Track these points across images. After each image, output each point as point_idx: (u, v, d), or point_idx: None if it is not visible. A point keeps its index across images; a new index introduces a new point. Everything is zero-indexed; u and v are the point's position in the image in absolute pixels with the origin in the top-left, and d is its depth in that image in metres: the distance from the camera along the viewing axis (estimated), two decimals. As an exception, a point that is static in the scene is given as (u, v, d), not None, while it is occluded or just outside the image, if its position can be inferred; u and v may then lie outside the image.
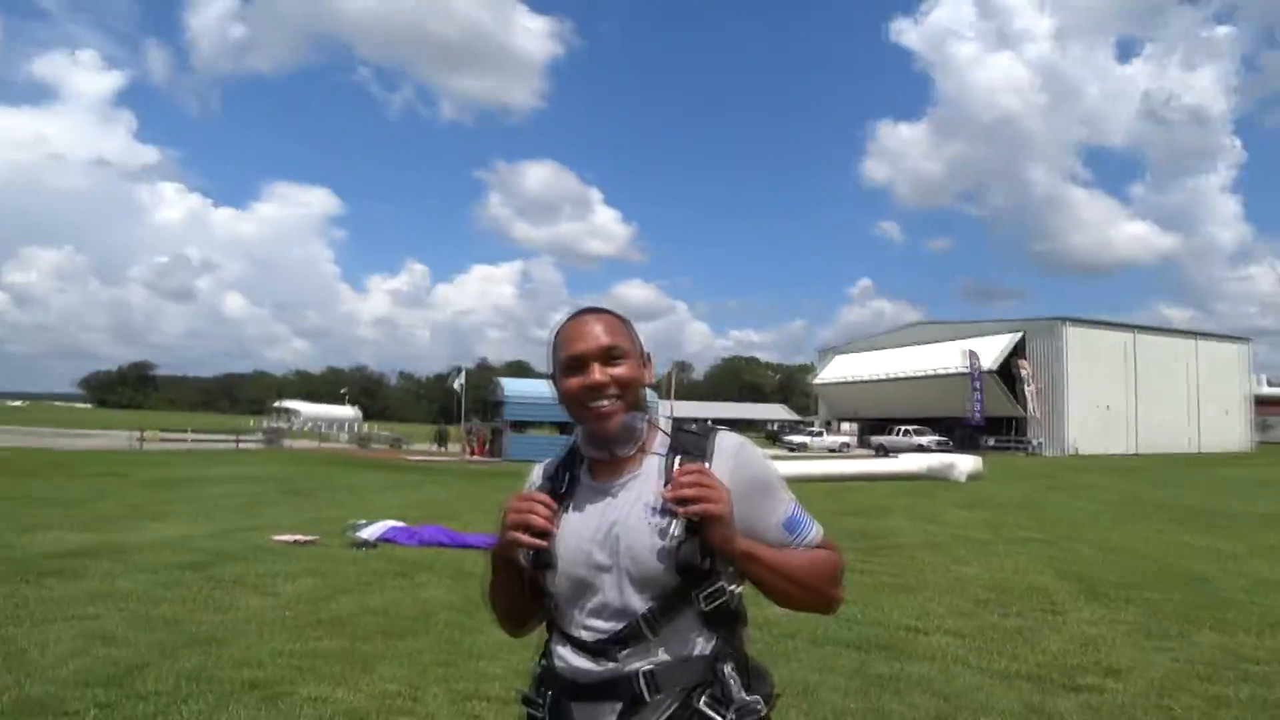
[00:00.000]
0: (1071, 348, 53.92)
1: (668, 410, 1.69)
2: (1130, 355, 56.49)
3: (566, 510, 1.56)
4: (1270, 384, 69.85)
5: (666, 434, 1.61)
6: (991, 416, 53.77)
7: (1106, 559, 10.32)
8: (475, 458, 36.20)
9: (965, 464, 25.25)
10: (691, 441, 1.58)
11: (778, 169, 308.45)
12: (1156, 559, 10.39)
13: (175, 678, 4.92)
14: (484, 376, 65.90)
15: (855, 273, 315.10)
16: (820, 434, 60.14)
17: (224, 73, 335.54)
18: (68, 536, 10.05)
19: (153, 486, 17.52)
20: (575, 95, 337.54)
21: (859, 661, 5.64)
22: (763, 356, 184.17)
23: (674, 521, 1.44)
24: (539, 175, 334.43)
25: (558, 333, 1.62)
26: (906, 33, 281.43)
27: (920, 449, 42.90)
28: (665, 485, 1.47)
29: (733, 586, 1.50)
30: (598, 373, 1.54)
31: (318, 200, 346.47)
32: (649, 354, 1.67)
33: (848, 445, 57.44)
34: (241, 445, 38.11)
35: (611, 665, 1.46)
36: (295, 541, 10.20)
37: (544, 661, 1.59)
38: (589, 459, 1.62)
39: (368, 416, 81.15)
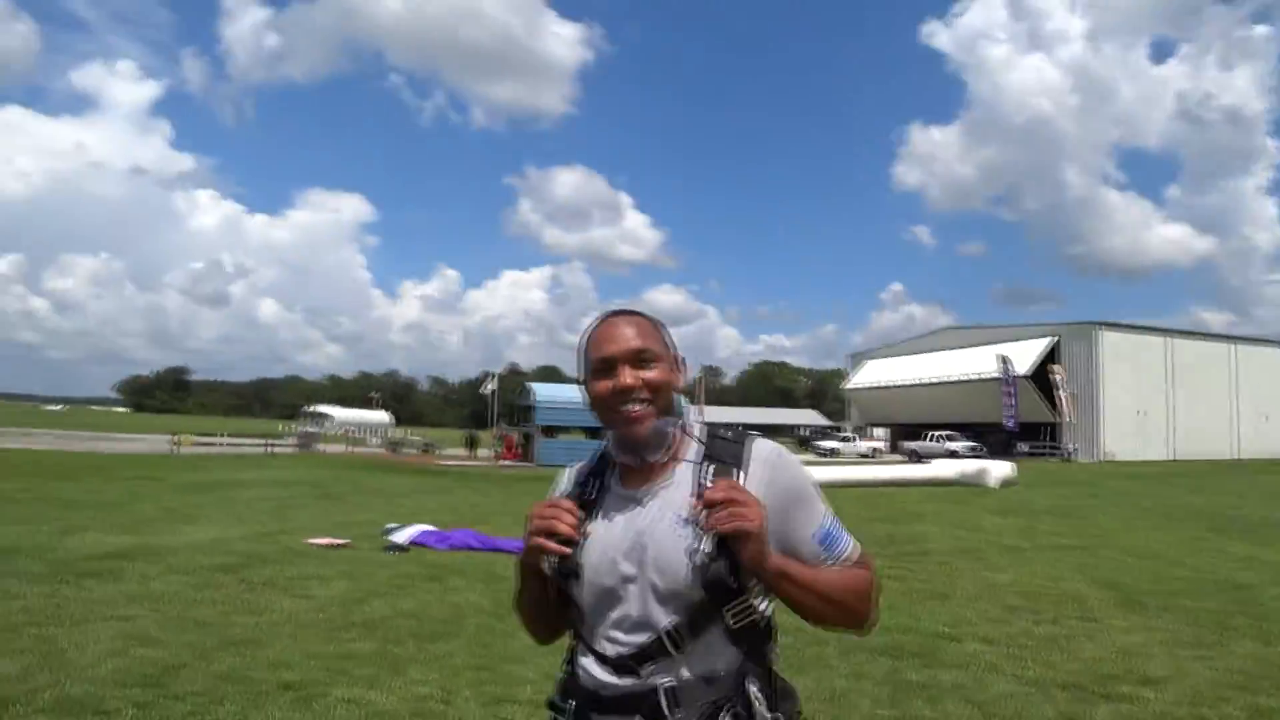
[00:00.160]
0: (1107, 352, 53.10)
1: (698, 415, 1.64)
2: (1167, 360, 55.60)
3: (594, 518, 1.53)
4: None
5: (700, 441, 1.57)
6: (1025, 422, 53.06)
7: (1142, 566, 10.18)
8: (506, 462, 36.35)
9: (998, 470, 24.96)
10: (726, 449, 1.54)
11: (808, 173, 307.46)
12: (1193, 567, 10.23)
13: (210, 678, 4.99)
14: (514, 382, 66.12)
15: (887, 277, 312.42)
16: (852, 439, 59.76)
17: (258, 81, 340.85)
18: (105, 539, 10.19)
19: (188, 490, 17.73)
20: (605, 101, 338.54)
21: (891, 668, 5.61)
22: (793, 361, 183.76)
23: (703, 537, 1.39)
24: (569, 181, 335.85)
25: (588, 335, 1.59)
26: (938, 35, 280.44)
27: (953, 455, 42.46)
28: (696, 495, 1.43)
29: (762, 603, 1.48)
30: (628, 376, 1.50)
31: (350, 207, 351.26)
32: (682, 357, 1.63)
33: (879, 451, 57.03)
34: (274, 450, 38.46)
35: (634, 680, 1.43)
36: (328, 545, 10.29)
37: (569, 669, 1.57)
38: (619, 465, 1.58)
39: (399, 422, 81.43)
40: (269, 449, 38.38)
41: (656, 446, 1.53)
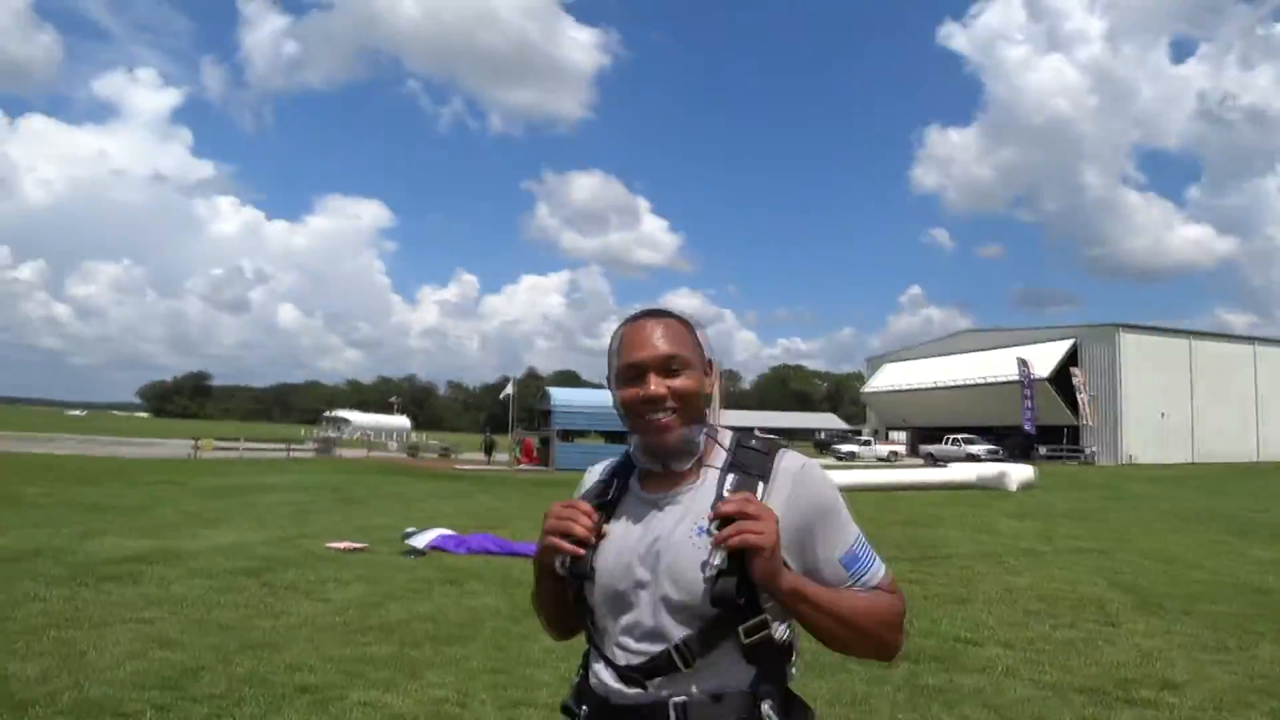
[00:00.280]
0: (1127, 354, 52.55)
1: (716, 419, 1.60)
2: (1188, 362, 54.99)
3: (613, 519, 1.51)
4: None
5: (726, 449, 1.53)
6: (1045, 425, 52.62)
7: (1162, 570, 10.10)
8: (523, 466, 36.43)
9: (1017, 473, 24.74)
10: (752, 459, 1.49)
11: (826, 176, 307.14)
12: (1214, 570, 10.14)
13: (230, 681, 5.02)
14: (533, 386, 66.30)
15: (905, 280, 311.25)
16: (870, 443, 59.53)
17: (277, 88, 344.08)
18: (126, 542, 10.25)
19: (208, 494, 17.83)
20: (622, 106, 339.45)
21: (910, 672, 5.59)
22: (811, 365, 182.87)
23: (715, 550, 1.34)
24: (587, 186, 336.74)
25: (618, 337, 1.54)
26: (955, 37, 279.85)
27: (971, 458, 42.20)
28: (714, 506, 1.38)
29: (780, 625, 1.43)
30: (655, 384, 1.46)
31: (369, 212, 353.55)
32: (713, 360, 1.58)
33: (898, 454, 56.75)
34: (294, 454, 38.65)
35: (641, 692, 1.40)
36: (347, 549, 10.33)
37: (583, 673, 1.54)
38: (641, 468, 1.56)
39: (417, 426, 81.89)
40: (289, 453, 38.60)
41: (683, 455, 1.49)
